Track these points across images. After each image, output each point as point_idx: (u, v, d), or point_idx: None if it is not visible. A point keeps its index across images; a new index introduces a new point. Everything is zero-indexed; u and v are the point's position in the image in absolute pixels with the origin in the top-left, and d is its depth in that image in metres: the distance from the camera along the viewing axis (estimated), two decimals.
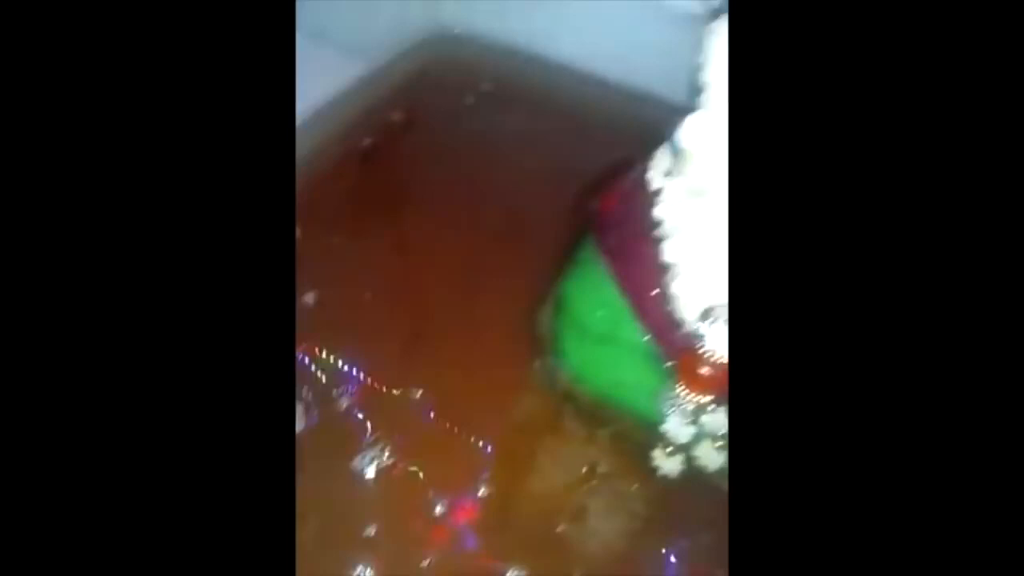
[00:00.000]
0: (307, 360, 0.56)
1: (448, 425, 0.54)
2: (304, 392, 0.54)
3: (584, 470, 0.53)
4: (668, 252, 0.49)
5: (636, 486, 0.52)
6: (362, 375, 0.56)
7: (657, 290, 0.50)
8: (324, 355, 0.56)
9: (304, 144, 0.73)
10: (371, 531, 0.48)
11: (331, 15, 0.78)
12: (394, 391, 0.55)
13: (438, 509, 0.49)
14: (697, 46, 0.44)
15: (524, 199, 0.71)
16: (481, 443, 0.53)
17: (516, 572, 0.46)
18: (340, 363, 0.56)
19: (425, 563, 0.47)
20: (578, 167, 0.73)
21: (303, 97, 0.74)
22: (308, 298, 0.60)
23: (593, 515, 0.51)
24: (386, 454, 0.51)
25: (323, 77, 0.76)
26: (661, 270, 0.50)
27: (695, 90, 0.45)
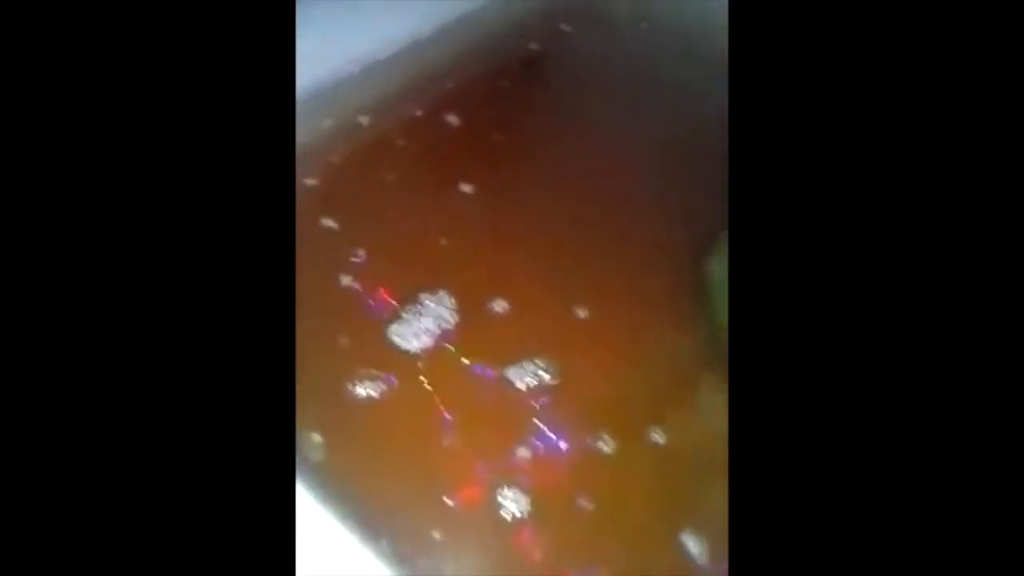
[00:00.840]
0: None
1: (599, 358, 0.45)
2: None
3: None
4: None
5: None
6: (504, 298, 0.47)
7: None
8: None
9: (461, 41, 0.65)
10: (523, 453, 0.39)
11: None
12: (545, 310, 0.47)
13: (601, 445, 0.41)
14: None
15: (694, 138, 0.62)
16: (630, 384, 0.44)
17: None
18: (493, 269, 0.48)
19: (581, 503, 0.38)
20: None
21: None
22: (466, 187, 0.52)
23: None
24: (544, 374, 0.42)
25: None
26: None
27: None
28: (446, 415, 0.39)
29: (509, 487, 0.37)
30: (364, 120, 0.56)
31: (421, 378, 0.40)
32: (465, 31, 0.65)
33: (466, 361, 0.42)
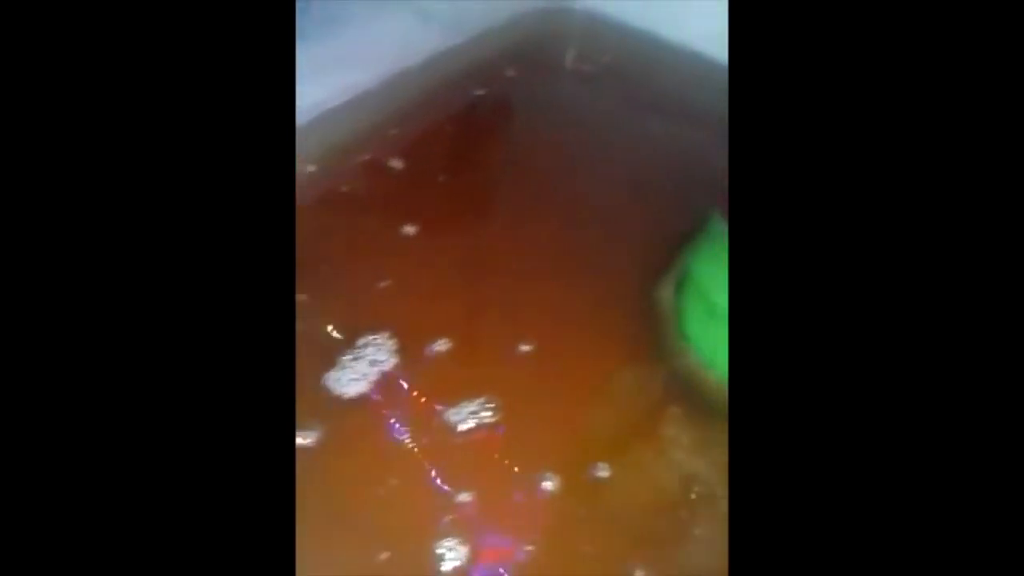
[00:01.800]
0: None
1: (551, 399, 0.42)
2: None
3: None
4: None
5: None
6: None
7: None
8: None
9: (409, 88, 0.63)
10: (463, 498, 0.36)
11: None
12: (488, 347, 0.44)
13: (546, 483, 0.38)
14: None
15: (637, 175, 0.60)
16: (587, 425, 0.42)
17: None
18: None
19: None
20: (698, 146, 0.62)
21: (416, 48, 0.68)
22: (409, 229, 0.50)
23: (696, 526, 0.39)
24: (485, 413, 0.39)
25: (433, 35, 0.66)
26: None
27: None
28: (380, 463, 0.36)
29: (448, 537, 0.34)
30: (311, 168, 0.54)
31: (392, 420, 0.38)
32: (413, 79, 0.63)
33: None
